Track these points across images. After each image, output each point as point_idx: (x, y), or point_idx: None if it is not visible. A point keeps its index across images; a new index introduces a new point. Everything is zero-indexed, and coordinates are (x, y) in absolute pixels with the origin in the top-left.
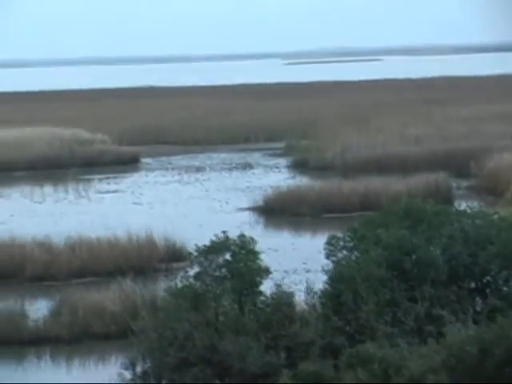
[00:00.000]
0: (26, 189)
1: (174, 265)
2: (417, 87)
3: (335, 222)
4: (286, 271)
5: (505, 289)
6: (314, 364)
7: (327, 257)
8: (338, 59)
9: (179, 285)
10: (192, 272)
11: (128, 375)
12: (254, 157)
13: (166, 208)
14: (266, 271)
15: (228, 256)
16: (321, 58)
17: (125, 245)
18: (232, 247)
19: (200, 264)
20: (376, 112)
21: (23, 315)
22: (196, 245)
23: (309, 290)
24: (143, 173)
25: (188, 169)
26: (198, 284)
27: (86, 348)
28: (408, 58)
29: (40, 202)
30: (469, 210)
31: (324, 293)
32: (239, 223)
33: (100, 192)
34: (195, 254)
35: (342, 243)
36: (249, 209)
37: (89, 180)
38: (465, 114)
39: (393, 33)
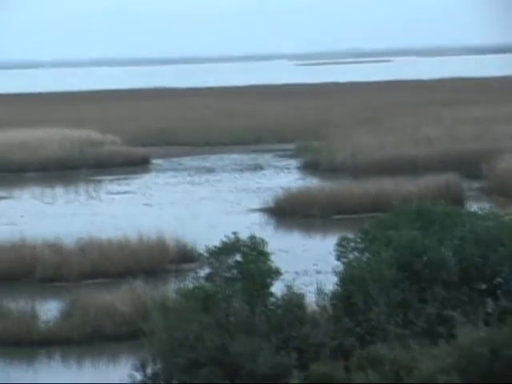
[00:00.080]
0: (37, 190)
1: (185, 266)
2: (428, 88)
3: (346, 223)
4: (296, 272)
5: None
6: (325, 365)
7: (338, 258)
8: (349, 60)
9: (190, 286)
10: (202, 273)
11: (138, 376)
12: (265, 158)
13: (176, 209)
14: (277, 272)
15: (238, 257)
16: (332, 59)
17: (135, 246)
18: (242, 248)
19: (211, 265)
20: (387, 113)
21: (34, 316)
22: (206, 246)
23: (319, 292)
24: (154, 174)
25: (199, 170)
26: (209, 285)
27: (97, 349)
28: (419, 59)
29: (51, 203)
30: (480, 212)
31: (335, 294)
32: (250, 224)
33: (110, 193)
34: (206, 255)
35: (352, 244)
36: (259, 210)
37: (99, 181)
38: (476, 115)
39: (404, 34)
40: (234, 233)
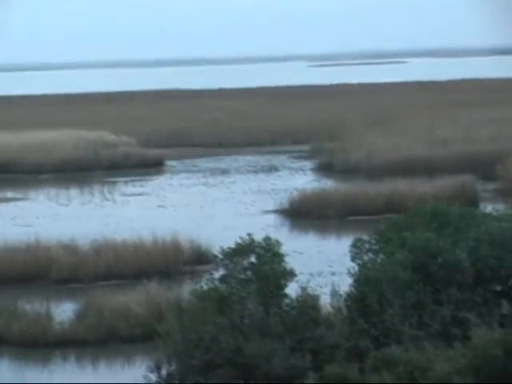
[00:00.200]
0: (52, 191)
1: (200, 267)
2: (443, 89)
3: (360, 224)
4: (311, 274)
5: None
6: (340, 367)
7: (352, 259)
8: (364, 61)
9: (204, 287)
10: (217, 274)
11: (153, 377)
12: (280, 159)
13: (191, 211)
14: (291, 274)
15: (253, 259)
16: (346, 60)
17: (150, 247)
18: (257, 250)
19: (225, 267)
20: (401, 114)
21: (49, 317)
22: (221, 247)
23: (334, 293)
24: (168, 175)
25: (213, 171)
26: (224, 286)
27: (111, 350)
28: (434, 60)
29: (65, 205)
30: (495, 213)
31: (349, 295)
32: (264, 226)
33: (125, 195)
34: (220, 256)
35: (367, 246)
36: (274, 211)
37: (114, 183)
38: (491, 116)
39: (419, 35)
40: (249, 234)
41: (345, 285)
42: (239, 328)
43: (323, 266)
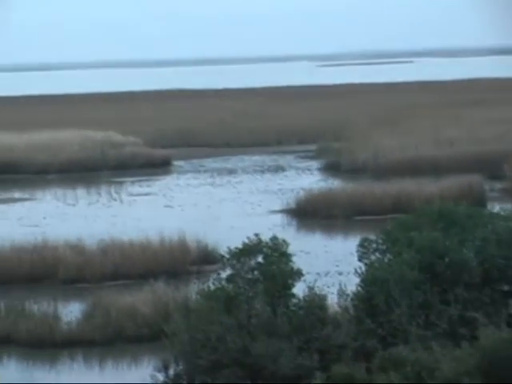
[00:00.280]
0: (59, 191)
1: (207, 267)
2: (449, 89)
3: (367, 224)
4: (318, 274)
5: None
6: (347, 366)
7: (360, 259)
8: (370, 61)
9: (212, 287)
10: (224, 274)
11: (160, 377)
12: (286, 159)
13: (197, 210)
14: (299, 274)
15: (260, 258)
16: (352, 60)
17: (157, 247)
18: (264, 250)
19: (232, 266)
20: (408, 114)
21: (56, 317)
22: (228, 247)
23: (341, 293)
24: (175, 175)
25: (220, 171)
26: (231, 286)
27: (119, 350)
28: (440, 59)
29: (72, 205)
30: (502, 213)
31: (356, 295)
32: (271, 225)
33: (132, 195)
34: (227, 256)
35: (374, 245)
36: (281, 211)
37: (121, 183)
38: (497, 115)
39: (425, 35)
40: (256, 234)
41: (352, 284)
42: (246, 328)
43: (330, 265)
